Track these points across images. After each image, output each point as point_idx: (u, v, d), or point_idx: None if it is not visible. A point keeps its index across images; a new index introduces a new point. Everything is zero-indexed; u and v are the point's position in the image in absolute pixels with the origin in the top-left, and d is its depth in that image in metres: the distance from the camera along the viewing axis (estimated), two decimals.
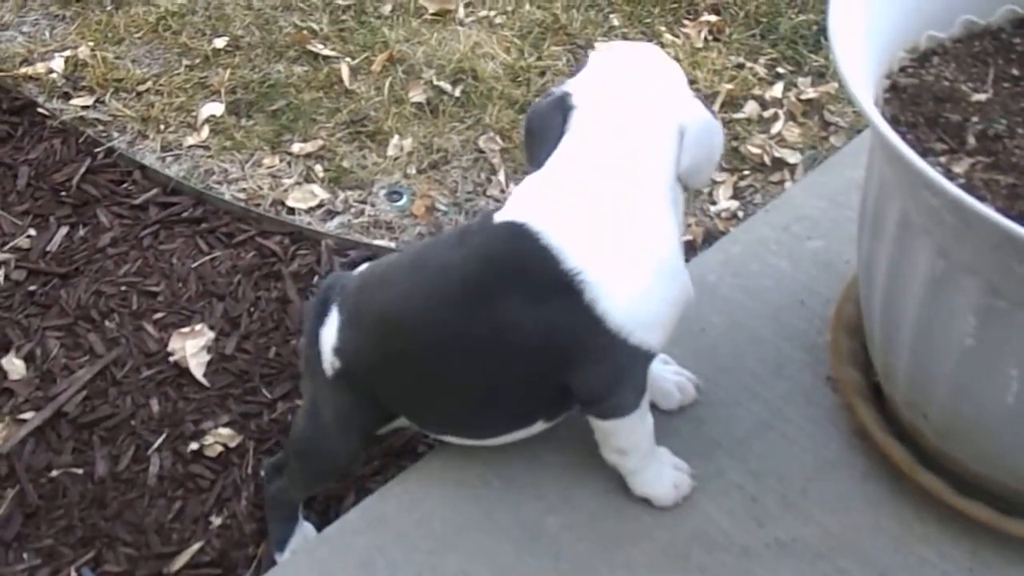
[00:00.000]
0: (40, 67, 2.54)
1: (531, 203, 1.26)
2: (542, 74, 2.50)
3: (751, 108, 2.37)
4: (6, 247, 2.14)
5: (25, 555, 1.66)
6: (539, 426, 1.36)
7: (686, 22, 2.62)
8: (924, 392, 1.26)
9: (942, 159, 1.17)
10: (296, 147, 2.34)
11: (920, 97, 1.25)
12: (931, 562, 1.31)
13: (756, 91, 2.42)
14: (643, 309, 1.23)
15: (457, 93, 2.45)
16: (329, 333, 1.38)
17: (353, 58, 2.55)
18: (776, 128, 2.33)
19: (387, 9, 2.70)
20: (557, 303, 1.21)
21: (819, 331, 1.56)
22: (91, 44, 2.59)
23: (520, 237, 1.23)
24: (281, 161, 2.31)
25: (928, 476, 1.33)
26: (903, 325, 1.22)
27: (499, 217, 1.27)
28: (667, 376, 1.49)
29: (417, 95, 2.45)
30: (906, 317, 1.20)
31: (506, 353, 1.26)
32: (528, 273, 1.22)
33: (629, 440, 1.33)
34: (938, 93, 1.25)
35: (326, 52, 2.57)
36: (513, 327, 1.24)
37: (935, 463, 1.34)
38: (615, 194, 1.24)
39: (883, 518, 1.36)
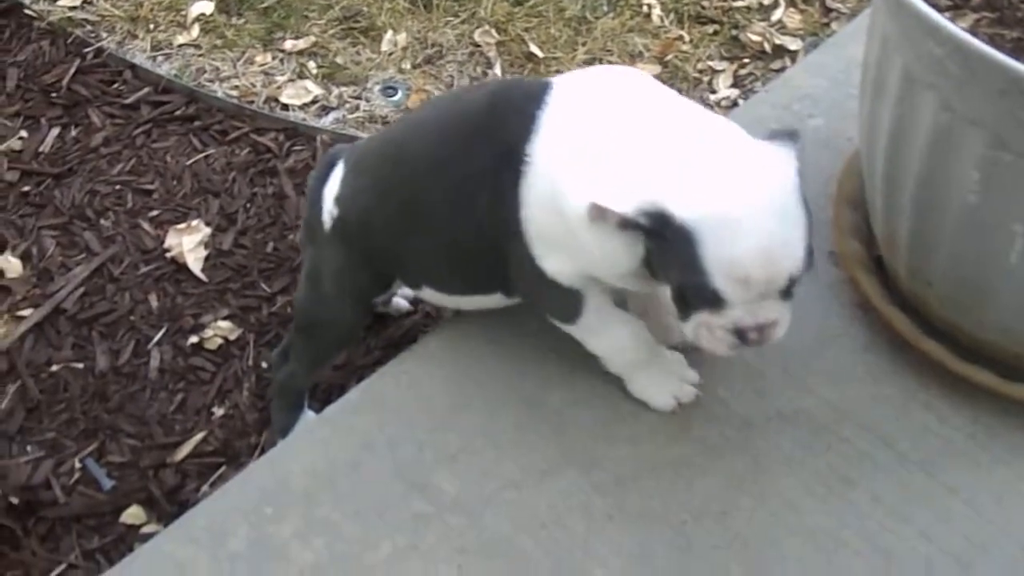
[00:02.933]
0: None
1: (567, 86, 1.20)
2: None
3: None
4: None
5: (29, 447, 1.66)
6: (498, 298, 1.33)
7: None
8: (927, 257, 1.25)
9: (946, 15, 1.14)
10: (288, 44, 2.30)
11: None
12: (933, 429, 1.31)
13: None
14: (548, 231, 1.18)
15: None
16: (331, 187, 1.39)
17: None
18: (776, 15, 2.29)
19: None
20: (508, 176, 1.18)
21: (820, 207, 1.53)
22: None
23: (527, 95, 1.19)
24: (273, 58, 2.28)
25: (931, 343, 1.32)
26: (905, 186, 1.20)
27: (534, 81, 1.24)
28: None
29: None
30: (908, 178, 1.19)
31: (468, 206, 1.22)
32: (507, 130, 1.18)
33: (592, 347, 1.29)
34: None
35: None
36: (477, 179, 1.20)
37: (938, 332, 1.33)
38: (620, 133, 1.13)
39: (885, 388, 1.36)
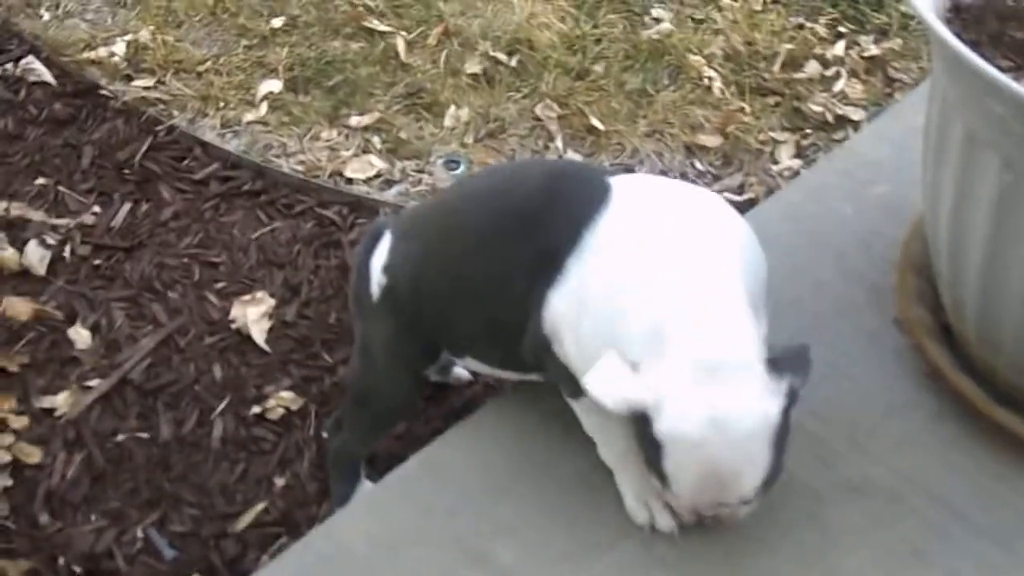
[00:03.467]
0: (102, 51, 2.57)
1: (629, 195, 1.20)
2: (598, 42, 2.48)
3: (812, 67, 2.33)
4: (72, 224, 2.17)
5: (93, 516, 1.68)
6: (535, 376, 1.32)
7: None
8: (996, 323, 1.22)
9: (1008, 75, 1.13)
10: (353, 120, 2.34)
11: (983, 16, 1.20)
12: (1009, 501, 1.27)
13: (817, 50, 2.38)
14: (560, 331, 1.18)
15: (513, 63, 2.45)
16: (379, 257, 1.40)
17: (408, 32, 2.55)
18: (838, 86, 2.29)
19: None
20: (543, 275, 1.18)
21: (883, 273, 1.51)
22: (151, 28, 2.62)
23: (582, 199, 1.19)
24: (339, 134, 2.32)
25: (1004, 412, 1.28)
26: (971, 251, 1.17)
27: (594, 178, 1.25)
28: None
29: (473, 66, 2.45)
30: (974, 242, 1.16)
31: (507, 287, 1.22)
32: (554, 230, 1.18)
33: (588, 427, 1.28)
34: (1002, 12, 1.21)
35: (382, 28, 2.57)
36: (516, 267, 1.21)
37: (1010, 401, 1.29)
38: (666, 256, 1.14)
39: (956, 457, 1.32)
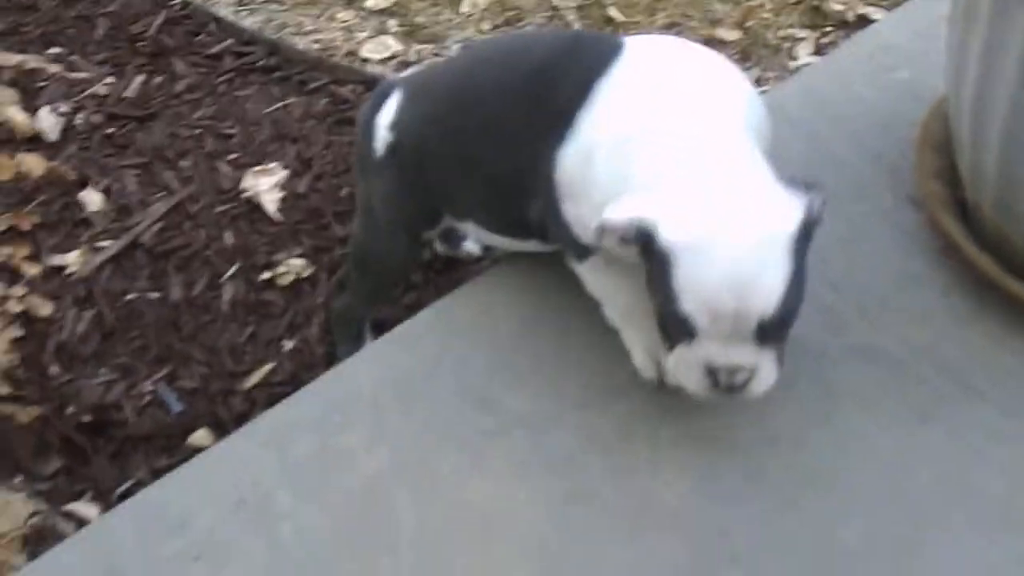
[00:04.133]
0: None
1: (640, 52, 1.20)
2: None
3: None
4: (85, 93, 2.16)
5: (102, 370, 1.69)
6: (534, 243, 1.32)
7: None
8: (1016, 182, 1.22)
9: None
10: (370, 2, 2.32)
11: None
12: (1018, 373, 1.28)
13: None
14: (571, 190, 1.17)
15: None
16: (386, 114, 1.39)
17: None
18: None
19: None
20: (554, 137, 1.17)
21: (901, 154, 1.51)
22: None
23: (593, 59, 1.18)
24: (355, 16, 2.30)
25: (1018, 284, 1.28)
26: (995, 112, 1.17)
27: (605, 41, 1.23)
28: None
29: None
30: (998, 102, 1.16)
31: (513, 151, 1.22)
32: (564, 93, 1.17)
33: (591, 288, 1.28)
34: None
35: None
36: (526, 131, 1.20)
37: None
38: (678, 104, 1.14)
39: (967, 330, 1.32)
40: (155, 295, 1.78)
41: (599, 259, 1.23)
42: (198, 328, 1.74)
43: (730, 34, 2.18)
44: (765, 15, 2.23)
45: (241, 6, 2.32)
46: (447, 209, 1.40)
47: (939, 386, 1.27)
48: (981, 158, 1.25)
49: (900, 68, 1.65)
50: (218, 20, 2.29)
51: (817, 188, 1.09)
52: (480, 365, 1.32)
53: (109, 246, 1.85)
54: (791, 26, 2.22)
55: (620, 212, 1.08)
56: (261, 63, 2.20)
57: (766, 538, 1.15)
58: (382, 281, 1.57)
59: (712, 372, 1.10)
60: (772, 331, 1.07)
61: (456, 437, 1.25)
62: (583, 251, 1.23)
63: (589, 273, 1.27)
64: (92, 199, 1.93)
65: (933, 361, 1.29)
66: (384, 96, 1.43)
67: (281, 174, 1.95)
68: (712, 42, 2.16)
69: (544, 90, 1.20)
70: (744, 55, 2.15)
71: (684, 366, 1.12)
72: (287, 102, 2.11)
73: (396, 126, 1.39)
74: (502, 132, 1.25)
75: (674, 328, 1.10)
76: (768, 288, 1.04)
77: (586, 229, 1.17)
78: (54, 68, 2.17)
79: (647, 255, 1.08)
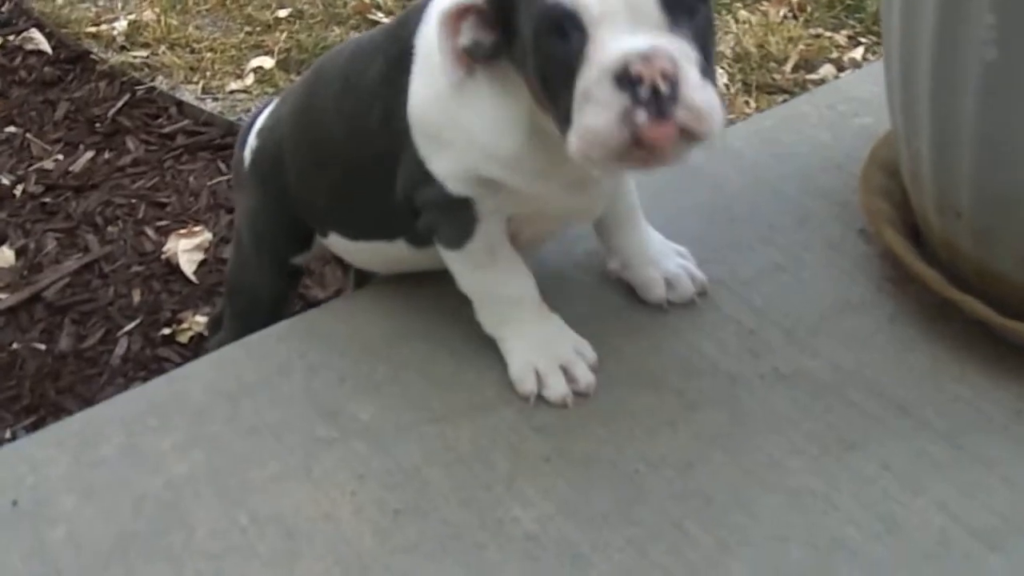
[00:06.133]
0: (104, 27, 2.53)
1: None
2: None
3: (826, 70, 2.19)
4: (32, 167, 2.08)
5: None
6: (402, 245, 1.13)
7: (764, 2, 2.46)
8: (951, 168, 1.03)
9: None
10: None
11: None
12: (966, 399, 1.05)
13: (833, 55, 2.23)
14: (429, 122, 1.00)
15: None
16: (259, 122, 1.27)
17: None
18: None
19: None
20: (399, 76, 1.01)
21: (855, 191, 1.33)
22: (157, 10, 2.58)
23: (419, 8, 1.03)
24: None
25: (967, 298, 1.07)
26: (920, 69, 1.00)
27: None
28: (661, 262, 1.18)
29: None
30: (923, 59, 0.99)
31: (364, 120, 1.06)
32: (404, 33, 1.02)
33: (466, 286, 1.09)
34: None
35: (385, 21, 2.49)
36: (372, 87, 1.05)
37: (977, 292, 1.09)
38: None
39: (910, 356, 1.10)
40: (42, 346, 1.62)
41: (479, 244, 1.05)
42: (79, 380, 1.57)
43: None
44: (748, 111, 2.10)
45: (206, 93, 2.25)
46: (308, 218, 1.24)
47: (872, 411, 1.04)
48: (916, 144, 1.08)
49: (862, 115, 1.49)
50: (180, 104, 2.22)
51: None
52: (333, 374, 1.12)
53: (6, 298, 1.71)
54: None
55: None
56: (215, 142, 2.11)
57: (630, 568, 0.91)
58: (253, 315, 1.35)
59: (623, 80, 0.79)
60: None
61: (285, 445, 1.04)
62: (463, 230, 1.05)
63: (466, 264, 1.08)
64: (3, 255, 1.81)
65: (868, 386, 1.07)
66: (265, 107, 1.31)
67: (205, 236, 1.81)
68: None
69: (389, 41, 1.05)
70: None
71: (592, 107, 0.81)
72: (231, 176, 2.00)
73: (261, 131, 1.26)
74: (351, 102, 1.09)
75: (557, 60, 0.84)
76: None
77: (460, 175, 1.00)
78: (2, 147, 2.10)
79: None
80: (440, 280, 1.13)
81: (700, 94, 0.80)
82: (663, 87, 0.78)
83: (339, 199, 1.16)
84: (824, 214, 1.31)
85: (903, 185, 1.21)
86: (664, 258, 1.19)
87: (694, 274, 1.19)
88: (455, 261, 1.08)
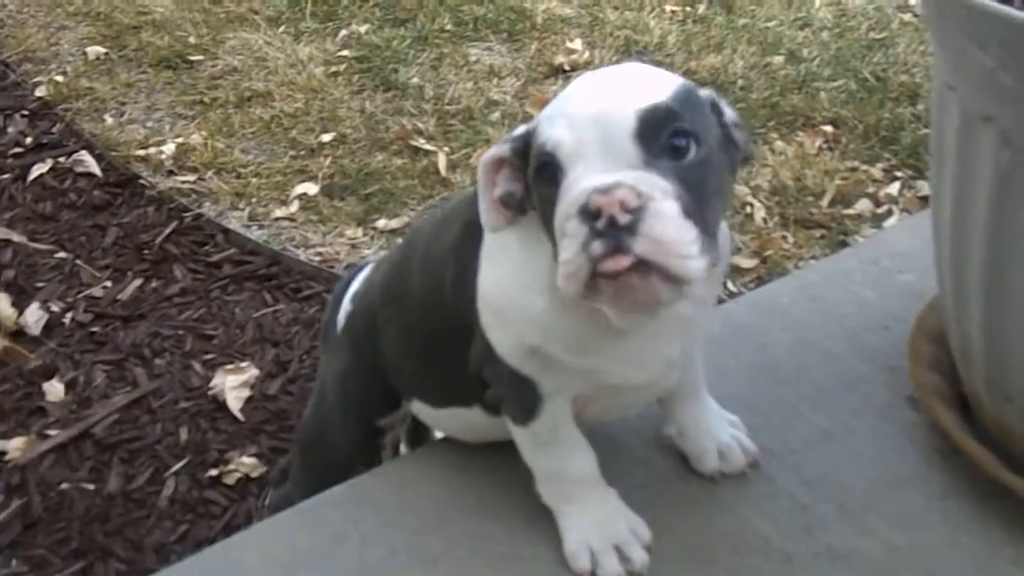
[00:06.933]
0: (152, 150, 2.59)
1: None
2: None
3: (863, 205, 2.21)
4: (81, 294, 2.12)
5: (14, 562, 1.53)
6: (478, 413, 1.14)
7: (800, 133, 2.50)
8: (1002, 353, 1.04)
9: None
10: (381, 223, 2.28)
11: None
12: None
13: (870, 189, 2.25)
14: (492, 300, 1.02)
15: None
16: (354, 287, 1.30)
17: (452, 152, 2.52)
18: (889, 223, 2.15)
19: (495, 116, 2.68)
20: (471, 245, 1.03)
21: (902, 355, 1.34)
22: (204, 134, 2.65)
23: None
24: (364, 234, 2.26)
25: (1019, 480, 1.07)
26: (972, 253, 1.02)
27: None
28: (714, 432, 1.19)
29: None
30: (975, 242, 1.01)
31: (439, 285, 1.08)
32: (472, 202, 1.03)
33: (531, 461, 1.10)
34: None
35: (427, 147, 2.55)
36: (447, 253, 1.07)
37: None
38: None
39: (964, 537, 1.10)
40: (91, 486, 1.64)
41: (544, 424, 1.06)
42: (127, 523, 1.58)
43: (748, 262, 2.07)
44: (786, 247, 2.12)
45: (252, 220, 2.30)
46: (396, 382, 1.26)
47: None
48: (966, 325, 1.09)
49: (906, 271, 1.51)
50: (226, 232, 2.26)
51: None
52: (387, 544, 1.13)
53: (57, 435, 1.73)
54: (814, 258, 2.10)
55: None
56: (261, 272, 2.15)
57: None
58: (326, 472, 1.37)
59: (585, 213, 0.80)
60: (657, 132, 0.83)
61: None
62: (529, 408, 1.06)
63: (531, 443, 1.09)
64: (54, 389, 1.84)
65: (921, 568, 1.07)
66: (360, 270, 1.34)
67: (252, 373, 1.84)
68: (729, 270, 2.05)
69: (467, 208, 1.07)
70: (761, 283, 2.03)
71: (564, 247, 0.83)
72: (277, 307, 2.04)
73: (356, 296, 1.29)
74: (429, 266, 1.11)
75: (549, 206, 0.86)
76: (635, 95, 0.83)
77: (519, 350, 1.01)
78: (53, 272, 2.15)
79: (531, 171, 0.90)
80: (499, 448, 1.14)
81: (666, 227, 0.80)
82: (620, 218, 0.79)
83: (419, 365, 1.18)
84: (872, 378, 1.32)
85: (951, 354, 1.22)
86: (718, 428, 1.20)
87: (746, 445, 1.19)
88: (519, 435, 1.09)
